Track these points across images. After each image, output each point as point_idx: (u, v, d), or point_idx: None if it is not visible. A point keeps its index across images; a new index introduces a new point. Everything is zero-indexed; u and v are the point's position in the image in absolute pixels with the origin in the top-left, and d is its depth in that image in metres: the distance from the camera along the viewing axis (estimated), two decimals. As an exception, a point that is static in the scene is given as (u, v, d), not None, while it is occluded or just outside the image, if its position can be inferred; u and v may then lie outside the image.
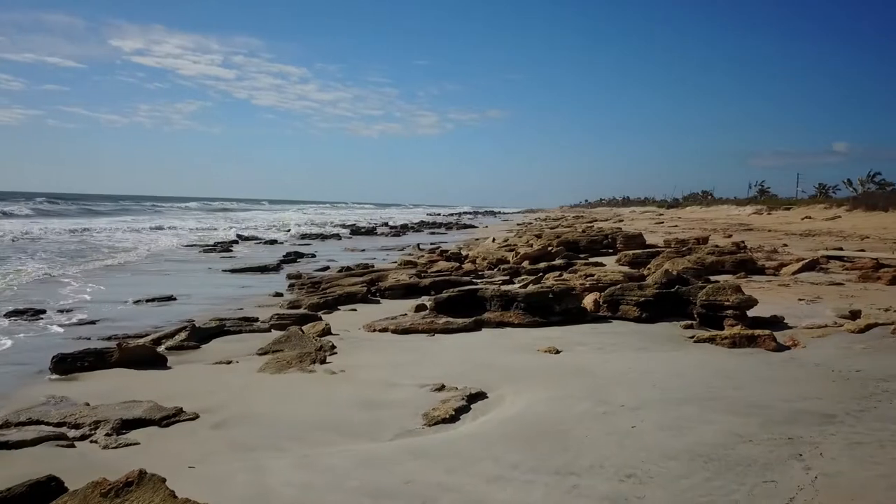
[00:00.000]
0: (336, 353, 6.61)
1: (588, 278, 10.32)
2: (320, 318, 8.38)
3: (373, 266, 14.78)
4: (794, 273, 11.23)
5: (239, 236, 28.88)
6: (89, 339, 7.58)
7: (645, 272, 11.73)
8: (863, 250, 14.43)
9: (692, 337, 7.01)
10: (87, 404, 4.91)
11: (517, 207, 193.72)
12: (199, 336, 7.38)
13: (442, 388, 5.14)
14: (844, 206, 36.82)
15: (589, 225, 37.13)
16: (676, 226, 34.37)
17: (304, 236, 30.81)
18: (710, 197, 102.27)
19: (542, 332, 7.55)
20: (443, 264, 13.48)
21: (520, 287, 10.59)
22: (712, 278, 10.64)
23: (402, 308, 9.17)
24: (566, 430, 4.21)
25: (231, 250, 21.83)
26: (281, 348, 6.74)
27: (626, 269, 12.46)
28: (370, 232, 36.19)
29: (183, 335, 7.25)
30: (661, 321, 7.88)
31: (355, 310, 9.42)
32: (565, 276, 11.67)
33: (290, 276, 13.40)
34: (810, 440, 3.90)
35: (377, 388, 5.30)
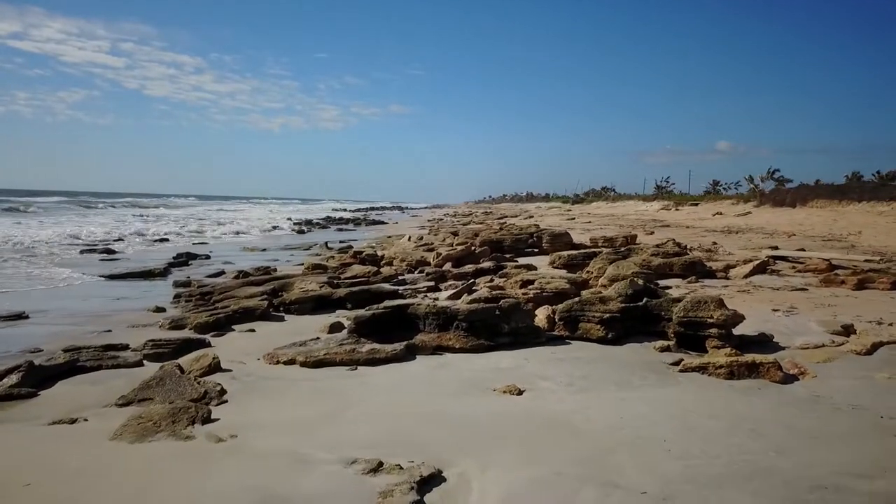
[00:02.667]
0: (226, 401, 4.91)
1: (529, 286, 8.95)
2: (209, 345, 6.63)
3: (275, 270, 12.96)
4: (747, 276, 10.26)
5: (126, 234, 26.14)
6: None
7: (584, 275, 10.52)
8: (802, 249, 13.77)
9: (675, 364, 5.74)
10: None
11: (423, 203, 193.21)
12: (39, 377, 5.49)
13: (379, 466, 3.56)
14: (752, 201, 37.38)
15: (502, 221, 36.17)
16: (590, 222, 33.86)
17: (197, 233, 28.31)
18: (613, 192, 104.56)
19: (489, 358, 6.09)
20: (358, 268, 11.81)
21: (450, 295, 9.14)
22: (661, 283, 9.53)
23: (312, 327, 7.52)
24: (580, 552, 2.74)
25: (114, 251, 19.33)
26: (150, 396, 4.98)
27: (563, 272, 11.21)
28: (271, 228, 33.93)
29: (14, 378, 5.34)
30: (628, 341, 6.59)
31: (254, 330, 7.65)
32: (499, 281, 10.32)
33: (177, 284, 11.41)
34: (952, 562, 2.59)
35: (282, 467, 3.66)
